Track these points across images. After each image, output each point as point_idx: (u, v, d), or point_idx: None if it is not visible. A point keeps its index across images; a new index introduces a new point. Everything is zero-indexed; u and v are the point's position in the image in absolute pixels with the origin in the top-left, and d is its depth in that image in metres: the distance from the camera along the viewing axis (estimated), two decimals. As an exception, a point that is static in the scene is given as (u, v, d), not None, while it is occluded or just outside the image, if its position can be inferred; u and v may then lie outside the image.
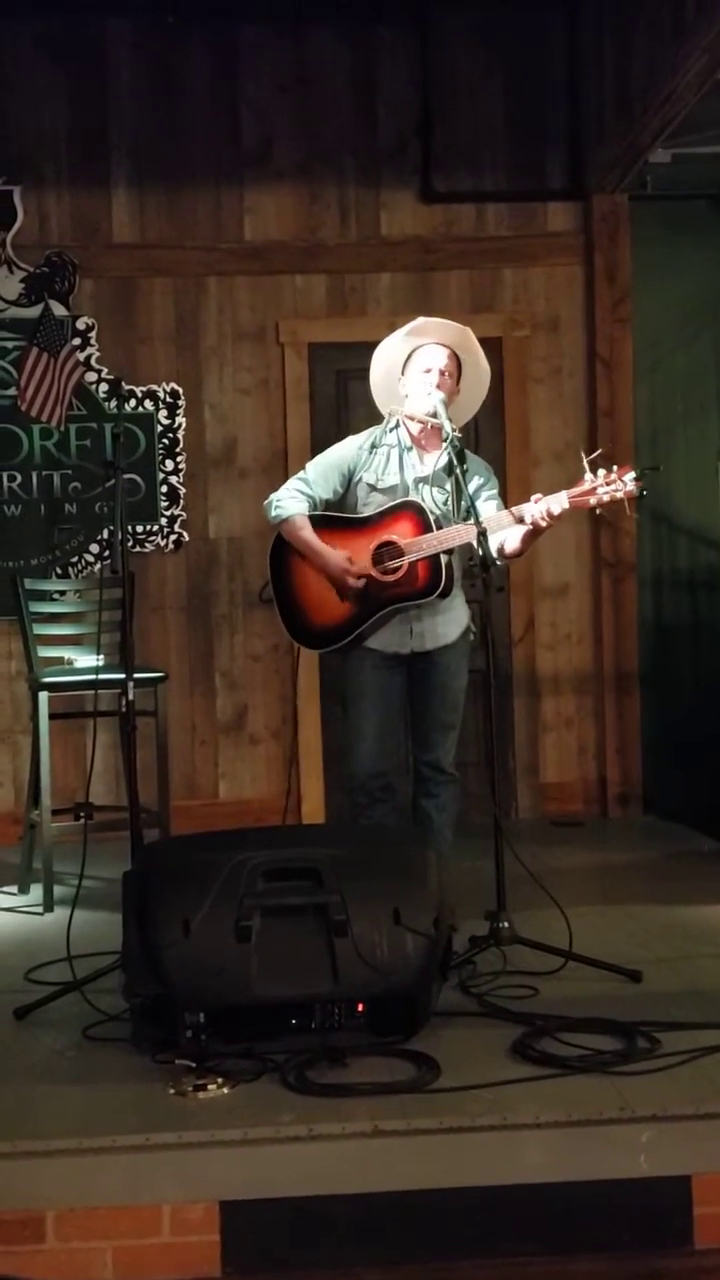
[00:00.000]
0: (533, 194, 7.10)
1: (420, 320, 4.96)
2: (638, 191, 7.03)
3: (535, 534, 4.69)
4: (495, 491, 4.92)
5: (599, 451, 4.64)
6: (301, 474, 5.02)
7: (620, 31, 6.32)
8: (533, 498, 4.65)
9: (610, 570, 7.07)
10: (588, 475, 4.58)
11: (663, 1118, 3.32)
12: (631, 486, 4.53)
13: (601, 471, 4.56)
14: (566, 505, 4.58)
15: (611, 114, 6.56)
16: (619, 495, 4.54)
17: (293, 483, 5.00)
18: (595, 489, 4.55)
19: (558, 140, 7.09)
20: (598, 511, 4.69)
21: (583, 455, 4.65)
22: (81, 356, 6.86)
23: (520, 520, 4.62)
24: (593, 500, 4.56)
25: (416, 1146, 3.29)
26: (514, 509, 4.68)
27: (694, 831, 6.61)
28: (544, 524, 4.61)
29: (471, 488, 4.77)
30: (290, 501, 4.94)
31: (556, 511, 4.58)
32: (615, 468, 4.58)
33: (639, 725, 7.13)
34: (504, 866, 4.46)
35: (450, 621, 4.92)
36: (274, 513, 4.96)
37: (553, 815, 7.09)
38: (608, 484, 4.54)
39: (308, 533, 4.90)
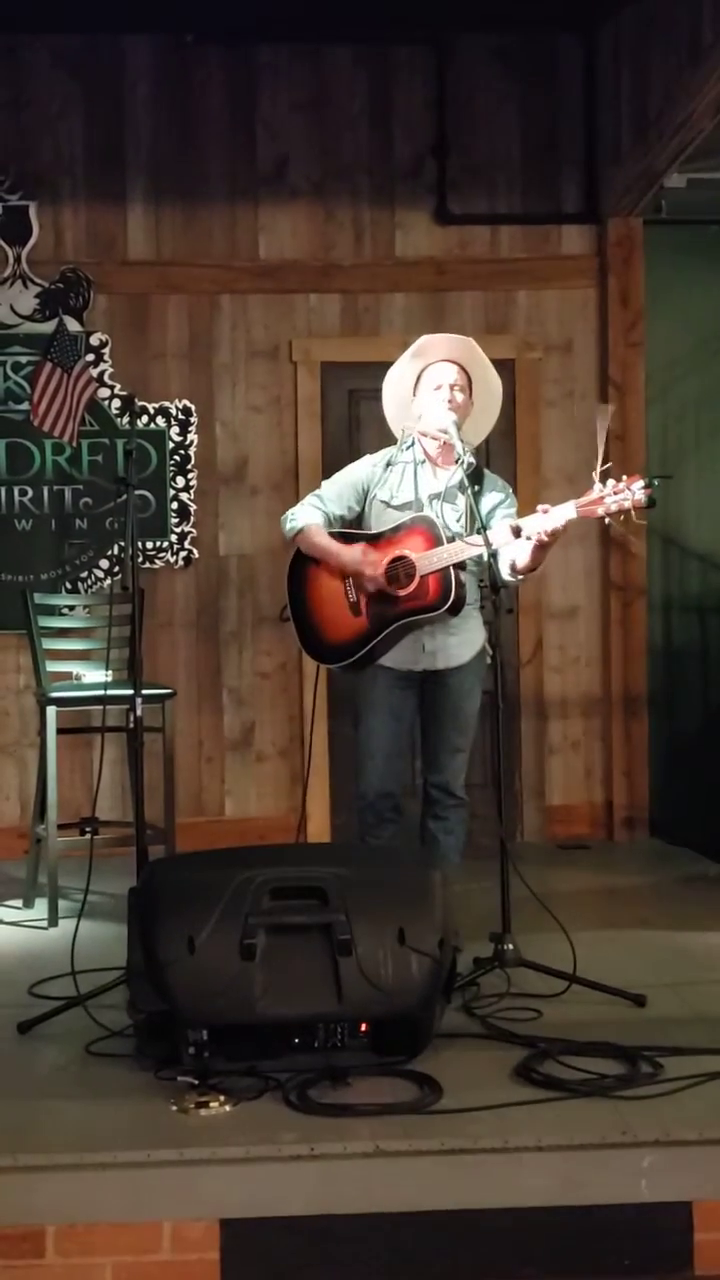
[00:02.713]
0: (547, 217, 7.11)
1: (424, 339, 4.96)
2: (652, 216, 7.05)
3: (544, 546, 4.65)
4: (513, 510, 4.89)
5: (609, 465, 4.59)
6: (317, 492, 5.05)
7: (637, 56, 6.35)
8: (539, 508, 4.62)
9: (620, 594, 7.06)
10: (596, 485, 4.54)
11: (665, 1143, 3.32)
12: (640, 495, 4.44)
13: (610, 481, 4.52)
14: (574, 515, 4.52)
15: (627, 138, 6.58)
16: (626, 504, 4.47)
17: (308, 499, 5.03)
18: (603, 498, 4.49)
19: (573, 163, 7.11)
20: (607, 522, 4.65)
21: (597, 467, 4.61)
22: (95, 372, 6.88)
23: (518, 532, 4.59)
24: (600, 510, 4.49)
25: (418, 1168, 3.28)
26: (513, 521, 4.65)
27: (700, 856, 6.59)
28: (552, 535, 4.58)
29: (487, 505, 4.77)
30: (305, 514, 4.96)
31: (564, 522, 4.56)
32: (624, 477, 4.53)
33: (646, 749, 7.12)
34: (509, 889, 4.46)
35: (464, 642, 4.91)
36: (289, 525, 4.98)
37: (558, 838, 7.08)
38: (616, 493, 4.48)
39: (323, 538, 4.91)
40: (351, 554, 4.84)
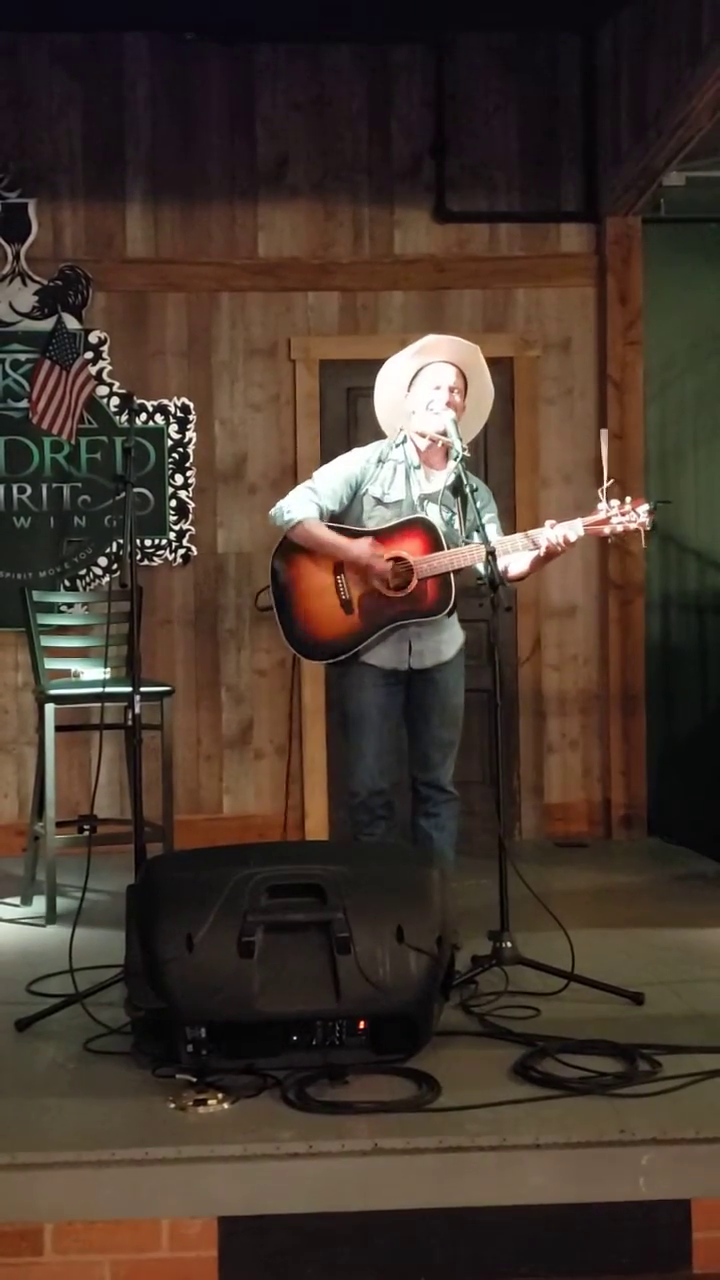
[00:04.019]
0: (546, 215, 7.12)
1: (430, 338, 4.97)
2: (651, 214, 7.05)
3: (546, 560, 4.70)
4: (494, 514, 4.93)
5: (612, 481, 4.64)
6: (310, 483, 5.00)
7: (637, 55, 6.35)
8: (547, 523, 4.66)
9: (618, 592, 7.07)
10: (601, 504, 4.60)
11: (663, 1141, 3.32)
12: (645, 519, 4.58)
13: (615, 502, 4.59)
14: (582, 533, 4.60)
15: (627, 137, 6.58)
16: (632, 526, 4.59)
17: (301, 490, 4.98)
18: (610, 519, 4.60)
19: (572, 162, 7.12)
20: (610, 541, 4.71)
21: (605, 481, 4.64)
22: (93, 370, 6.88)
23: (536, 546, 4.63)
24: (606, 529, 4.62)
25: (416, 1165, 3.28)
26: (530, 533, 4.68)
27: (698, 854, 6.60)
28: (559, 550, 4.62)
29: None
30: (301, 506, 4.92)
31: (573, 539, 4.60)
32: (629, 499, 4.61)
33: (644, 747, 7.12)
34: (507, 887, 4.46)
35: (448, 640, 4.93)
36: (285, 518, 4.92)
37: (557, 836, 7.08)
38: (622, 515, 4.59)
39: (324, 530, 4.88)
40: (361, 547, 4.82)
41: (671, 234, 7.19)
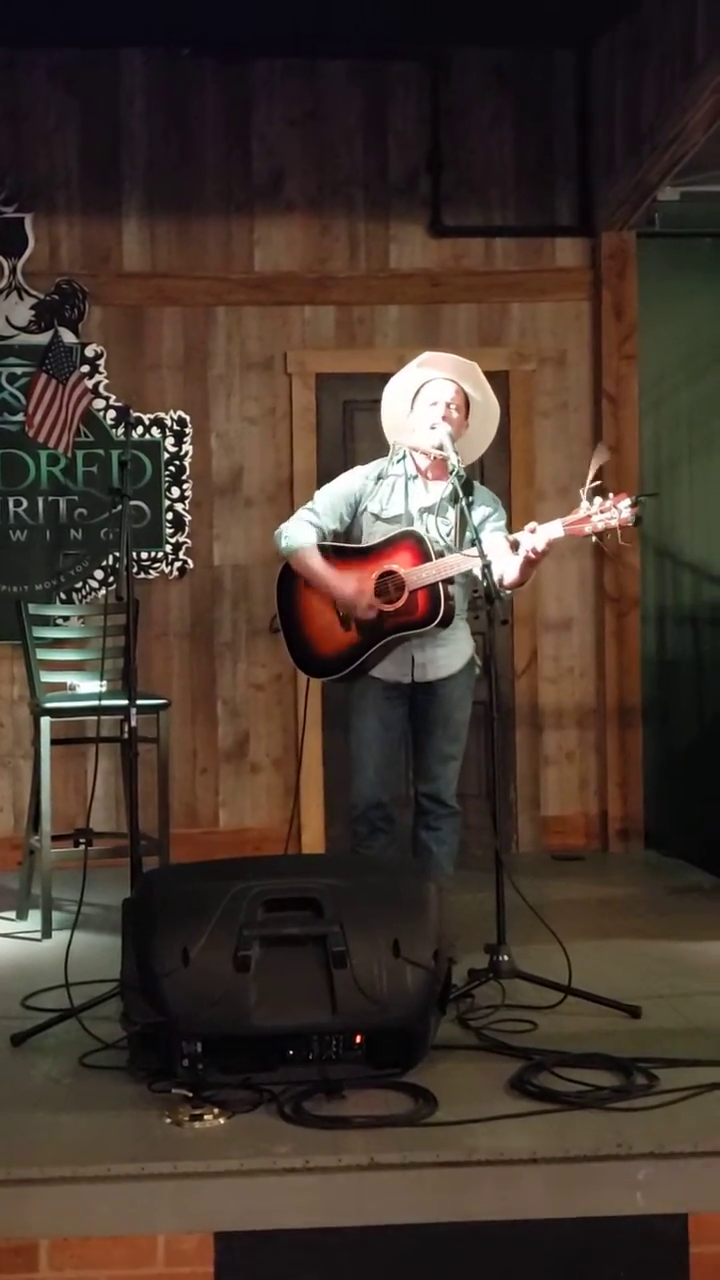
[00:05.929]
0: (542, 229, 7.14)
1: (429, 354, 4.98)
2: (646, 229, 7.07)
3: (533, 563, 4.66)
4: (502, 523, 4.92)
5: (598, 482, 4.61)
6: (310, 504, 5.04)
7: (631, 70, 6.37)
8: (528, 526, 4.63)
9: (614, 605, 7.07)
10: (584, 503, 4.56)
11: (660, 1155, 3.31)
12: (627, 514, 4.47)
13: (598, 499, 4.54)
14: (561, 534, 4.56)
15: (621, 151, 6.60)
16: (613, 523, 4.49)
17: (302, 513, 5.02)
18: (590, 516, 4.50)
19: (567, 177, 7.13)
20: (593, 539, 4.65)
21: (586, 484, 4.62)
22: (90, 384, 6.89)
23: (515, 548, 4.61)
24: (588, 528, 4.52)
25: (413, 1180, 3.27)
26: (508, 537, 4.67)
27: (694, 867, 6.60)
28: (541, 550, 4.60)
29: (477, 518, 4.77)
30: (299, 533, 4.95)
31: (550, 540, 4.57)
32: (611, 495, 4.55)
33: (641, 760, 7.12)
34: (504, 900, 4.45)
35: (453, 653, 4.92)
36: (284, 544, 4.97)
37: (553, 849, 7.08)
38: (603, 511, 4.50)
39: (317, 562, 4.91)
40: (347, 589, 4.84)
41: (666, 248, 7.21)
